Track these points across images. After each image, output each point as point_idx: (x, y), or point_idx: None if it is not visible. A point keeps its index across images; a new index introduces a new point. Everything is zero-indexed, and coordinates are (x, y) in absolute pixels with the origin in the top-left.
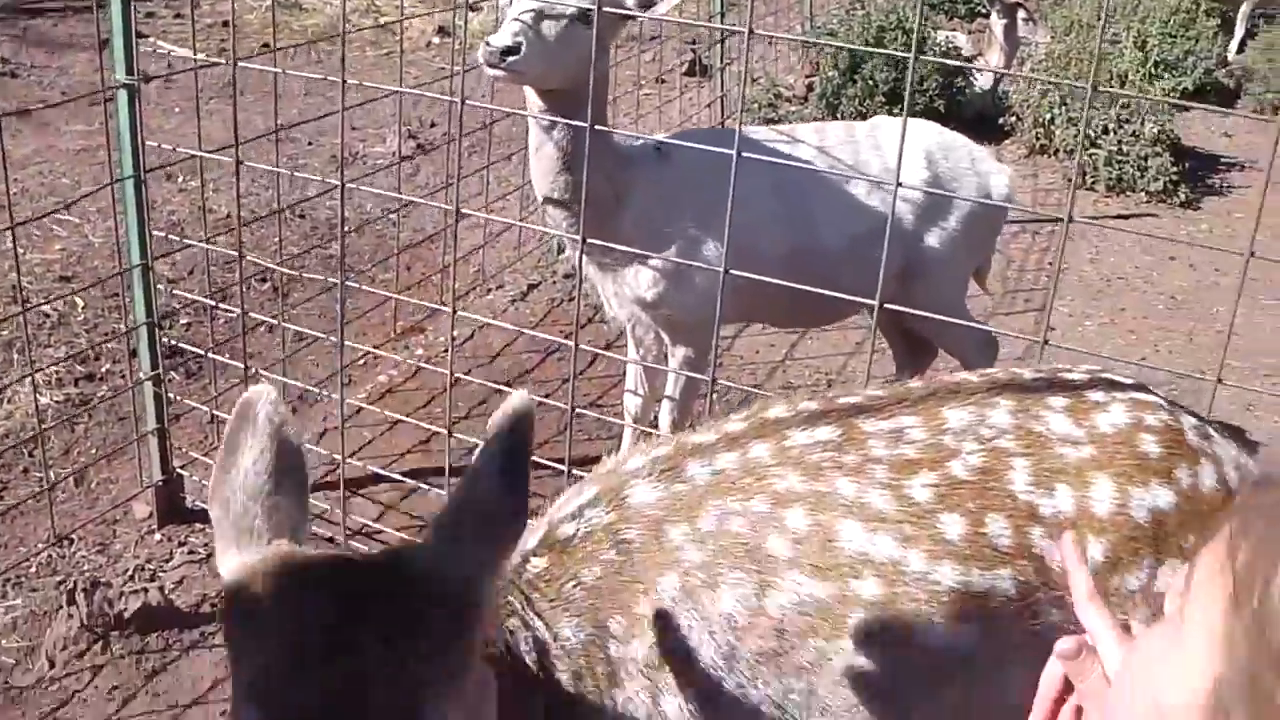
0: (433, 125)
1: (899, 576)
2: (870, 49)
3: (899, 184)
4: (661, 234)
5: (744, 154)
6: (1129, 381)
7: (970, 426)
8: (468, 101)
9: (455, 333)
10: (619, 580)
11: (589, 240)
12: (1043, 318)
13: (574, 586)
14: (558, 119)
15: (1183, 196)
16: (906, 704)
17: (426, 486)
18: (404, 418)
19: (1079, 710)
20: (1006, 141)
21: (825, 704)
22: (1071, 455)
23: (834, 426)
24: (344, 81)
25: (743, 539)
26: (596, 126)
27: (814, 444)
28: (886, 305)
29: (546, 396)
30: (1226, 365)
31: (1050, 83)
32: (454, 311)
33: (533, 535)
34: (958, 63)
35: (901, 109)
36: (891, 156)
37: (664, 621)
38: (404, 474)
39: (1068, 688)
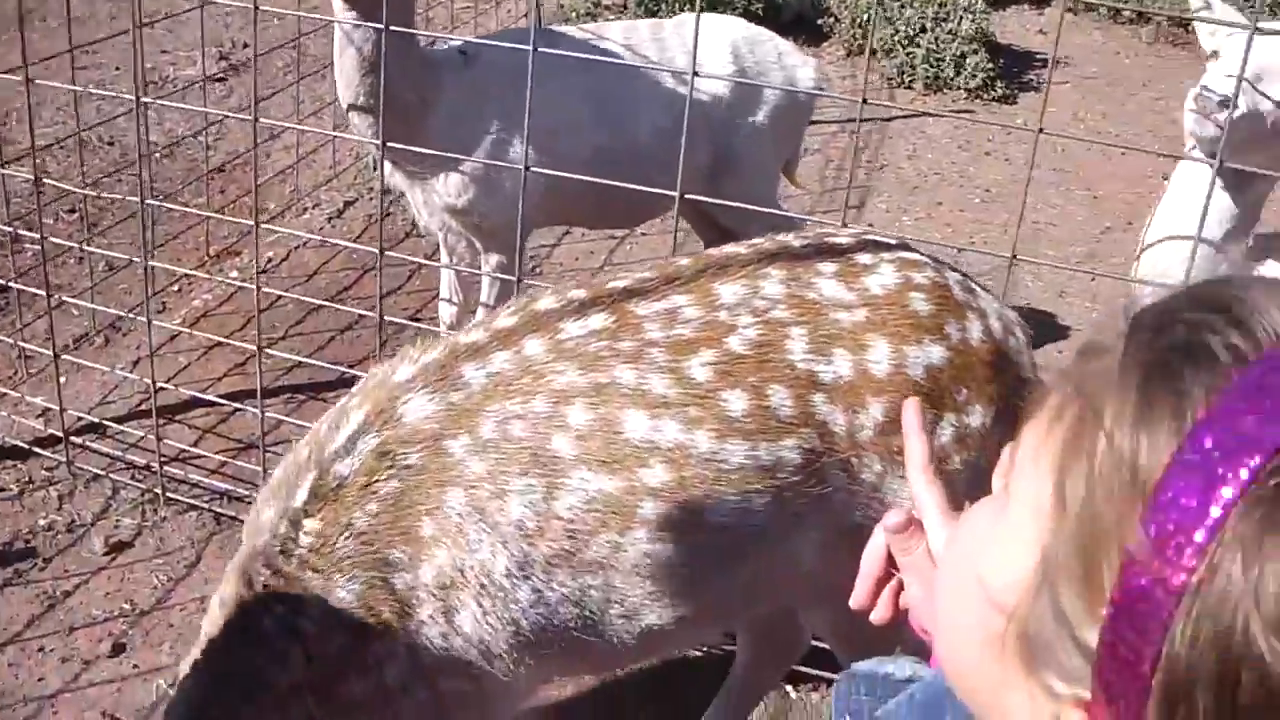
0: (245, 46)
1: (687, 460)
2: None
3: (695, 73)
4: (468, 139)
5: (553, 57)
6: (894, 241)
7: (744, 300)
8: (263, 8)
9: (271, 253)
10: (399, 510)
11: (391, 146)
12: (861, 215)
13: (349, 538)
14: (358, 22)
15: (999, 92)
16: (703, 584)
17: (244, 408)
18: (222, 339)
19: (899, 588)
20: (825, 43)
21: (623, 595)
22: (846, 319)
23: (606, 313)
24: None
25: (526, 443)
26: (393, 28)
27: (588, 334)
28: (687, 195)
29: (369, 311)
30: (1041, 254)
31: None
32: (256, 228)
33: (302, 484)
34: None
35: (720, 11)
36: (699, 51)
37: (452, 539)
38: (221, 397)
39: (892, 562)
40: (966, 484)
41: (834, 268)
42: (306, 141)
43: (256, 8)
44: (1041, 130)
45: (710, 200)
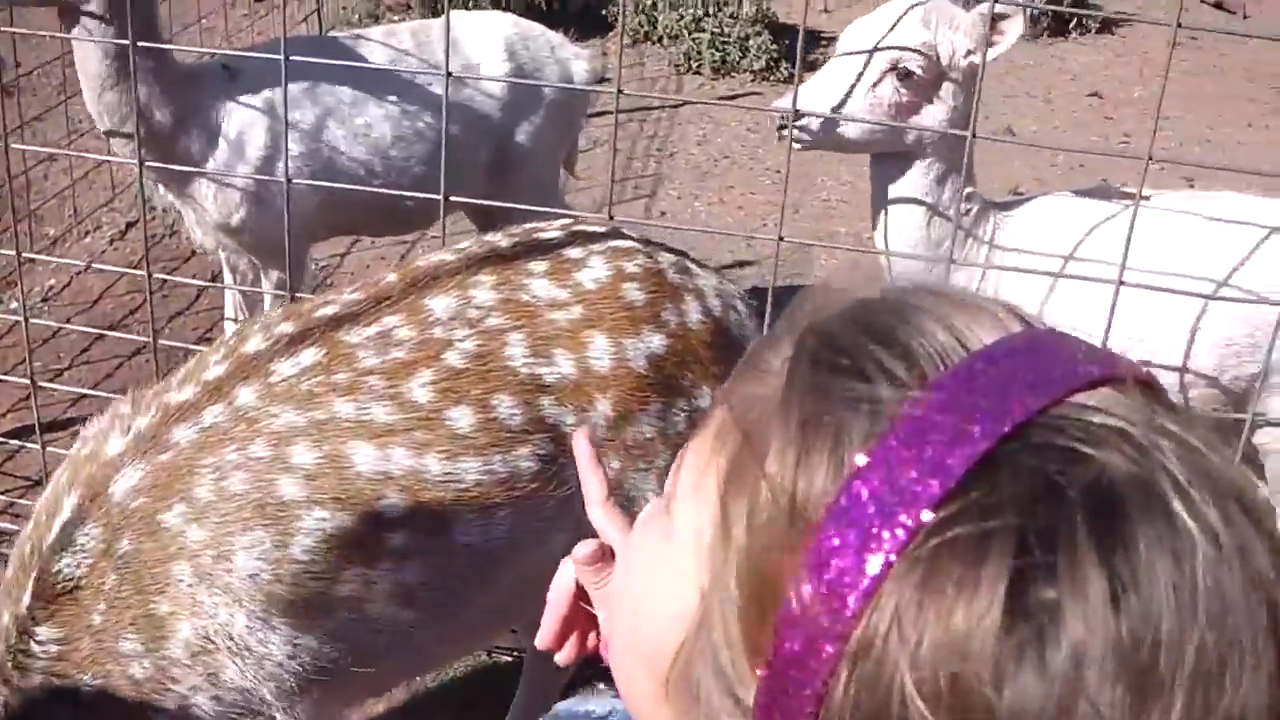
0: (18, 65)
1: (422, 485)
2: None
3: (448, 74)
4: (235, 155)
5: (323, 66)
6: (603, 230)
7: (457, 312)
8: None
9: (53, 280)
10: (124, 601)
11: (150, 166)
12: (653, 204)
13: (90, 639)
14: (89, 38)
15: (784, 73)
16: (463, 601)
17: (28, 446)
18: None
19: (589, 627)
20: (611, 33)
21: (386, 624)
22: (562, 319)
23: (317, 347)
24: None
25: (248, 496)
26: (140, 42)
27: (300, 372)
28: (453, 198)
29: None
30: (833, 231)
31: None
32: (19, 260)
33: (26, 585)
34: None
35: (505, 7)
36: (470, 51)
37: (190, 610)
38: (4, 434)
39: (581, 595)
40: None
41: (544, 266)
42: (84, 162)
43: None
44: (798, 113)
45: (480, 201)
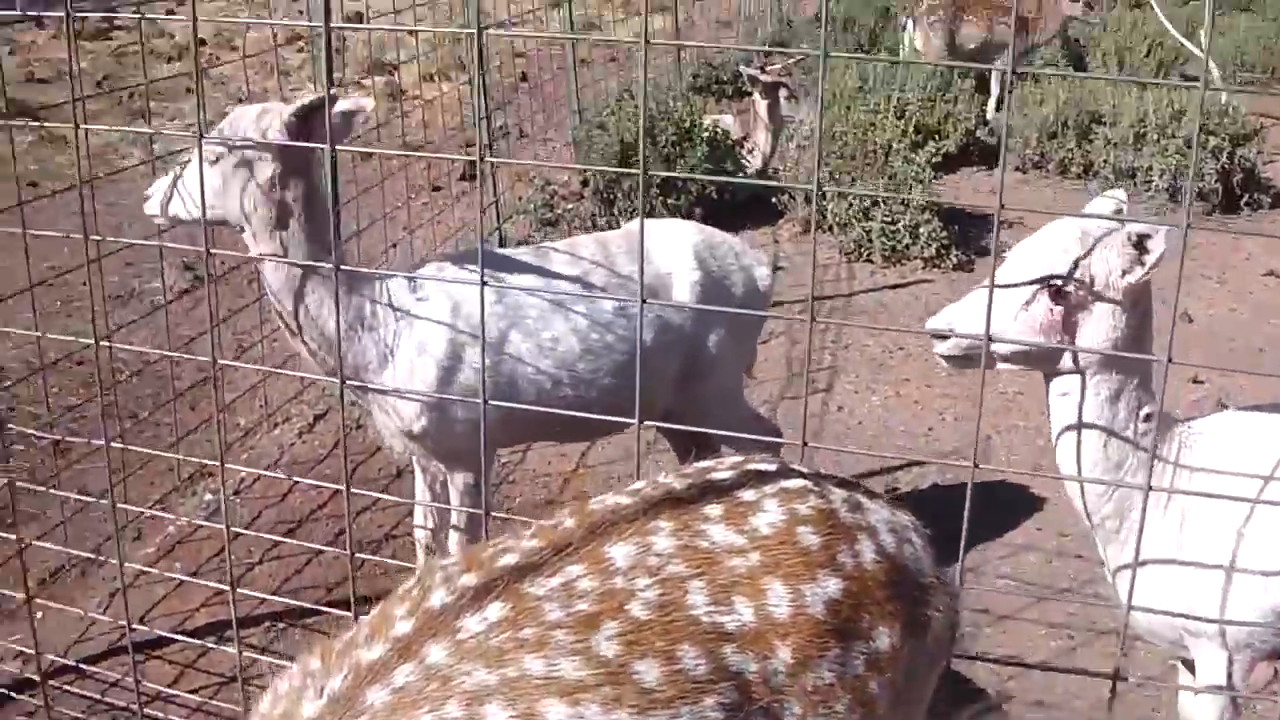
0: (210, 254)
1: None
2: (613, 171)
3: (643, 300)
4: (413, 365)
5: (508, 283)
6: (774, 468)
7: (637, 560)
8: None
9: (244, 473)
10: None
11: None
12: (830, 399)
13: None
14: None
15: (955, 260)
16: None
17: (222, 647)
18: (192, 579)
19: None
20: (781, 221)
21: None
22: (741, 565)
23: (502, 601)
24: (85, 236)
25: None
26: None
27: (488, 628)
28: (649, 423)
29: (338, 535)
30: (1012, 425)
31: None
32: (222, 465)
33: None
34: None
35: (675, 197)
36: (659, 262)
37: None
38: (199, 629)
39: None
40: (888, 704)
41: (720, 510)
42: (274, 354)
43: (209, 253)
44: (991, 338)
45: (674, 426)
